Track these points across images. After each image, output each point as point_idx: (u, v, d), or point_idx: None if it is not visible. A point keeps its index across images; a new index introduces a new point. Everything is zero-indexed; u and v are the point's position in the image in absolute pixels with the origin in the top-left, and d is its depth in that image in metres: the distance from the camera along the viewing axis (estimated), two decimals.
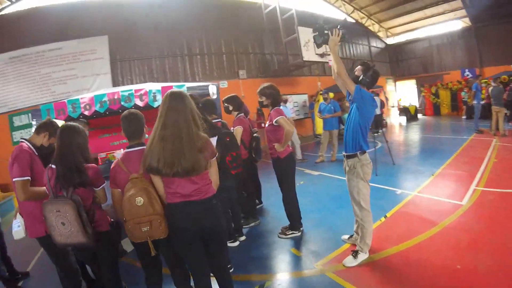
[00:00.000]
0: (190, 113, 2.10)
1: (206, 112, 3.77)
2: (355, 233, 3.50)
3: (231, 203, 4.09)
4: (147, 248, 2.24)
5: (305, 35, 11.28)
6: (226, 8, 12.59)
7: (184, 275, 2.55)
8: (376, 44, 19.57)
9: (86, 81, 10.44)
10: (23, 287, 3.66)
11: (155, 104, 4.64)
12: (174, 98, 2.11)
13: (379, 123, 12.78)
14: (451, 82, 16.22)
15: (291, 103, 13.48)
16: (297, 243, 3.93)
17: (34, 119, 5.31)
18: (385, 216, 4.31)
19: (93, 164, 2.51)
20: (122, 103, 4.91)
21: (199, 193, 2.16)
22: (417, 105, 17.72)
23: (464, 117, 14.49)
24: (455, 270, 2.91)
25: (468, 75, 15.69)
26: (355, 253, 3.25)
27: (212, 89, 5.31)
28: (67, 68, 10.29)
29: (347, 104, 11.84)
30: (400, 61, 20.26)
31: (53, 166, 2.39)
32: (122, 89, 5.17)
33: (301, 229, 4.14)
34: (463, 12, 15.63)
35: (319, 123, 10.73)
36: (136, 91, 4.96)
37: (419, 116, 17.17)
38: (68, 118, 5.46)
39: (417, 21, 17.79)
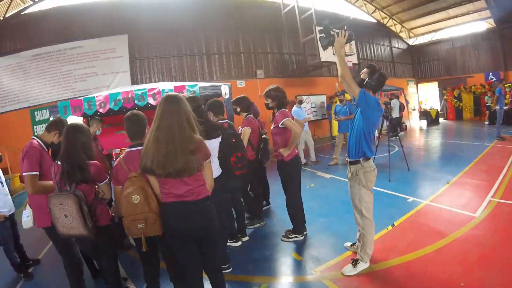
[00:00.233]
0: (185, 116, 2.15)
1: (213, 113, 3.80)
2: (357, 241, 3.39)
3: (235, 203, 4.11)
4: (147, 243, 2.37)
5: None
6: (244, 7, 12.63)
7: (180, 272, 2.60)
8: (397, 45, 19.19)
9: (106, 79, 10.69)
10: (33, 273, 3.83)
11: None
12: (169, 102, 2.17)
13: (397, 126, 12.55)
14: (475, 86, 15.69)
15: (308, 103, 13.41)
16: (299, 247, 3.89)
17: (51, 115, 5.47)
18: (393, 225, 4.18)
19: (95, 162, 2.63)
20: (136, 101, 5.00)
21: (192, 194, 2.20)
22: (439, 109, 17.23)
23: (486, 122, 13.97)
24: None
25: (492, 78, 15.15)
26: (354, 262, 3.16)
27: (225, 89, 5.32)
28: (88, 66, 10.57)
29: None
30: (422, 62, 19.78)
31: (59, 163, 2.52)
32: (136, 88, 5.27)
33: (305, 233, 4.10)
34: (487, 13, 15.12)
35: (336, 125, 10.62)
36: (149, 90, 5.04)
37: (440, 120, 16.72)
38: (84, 115, 5.63)
39: (440, 21, 17.32)
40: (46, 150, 3.04)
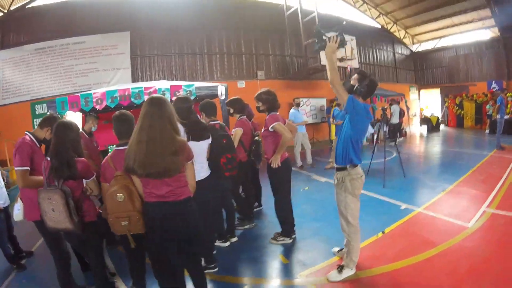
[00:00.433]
0: (167, 118, 2.18)
1: (206, 113, 3.80)
2: (345, 246, 3.32)
3: (225, 204, 4.11)
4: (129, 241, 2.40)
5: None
6: (247, 8, 12.63)
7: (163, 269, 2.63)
8: (401, 50, 19.18)
9: (107, 75, 10.74)
10: (26, 265, 3.87)
11: None
12: (152, 104, 2.20)
13: (396, 132, 12.52)
14: (477, 94, 15.66)
15: (308, 106, 13.40)
16: (287, 250, 3.86)
17: (49, 110, 5.51)
18: (383, 232, 4.13)
19: (83, 158, 2.69)
20: (132, 99, 5.04)
21: (173, 194, 2.22)
22: (440, 116, 17.19)
23: (487, 131, 13.87)
24: None
25: (494, 87, 15.12)
26: (340, 268, 3.13)
27: (221, 90, 5.33)
28: (89, 62, 10.64)
29: None
30: (425, 69, 19.78)
31: (48, 159, 2.58)
32: (133, 86, 5.29)
33: (293, 236, 4.07)
34: (491, 21, 15.11)
35: (334, 128, 10.60)
36: (146, 88, 5.08)
37: (441, 127, 16.69)
38: (81, 111, 5.66)
39: (444, 28, 17.33)
40: (38, 145, 3.11)
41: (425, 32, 18.50)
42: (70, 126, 2.69)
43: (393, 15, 17.36)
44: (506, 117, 10.49)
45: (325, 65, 10.00)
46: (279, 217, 4.02)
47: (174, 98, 3.74)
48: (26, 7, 10.09)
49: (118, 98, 5.04)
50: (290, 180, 4.02)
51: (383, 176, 6.44)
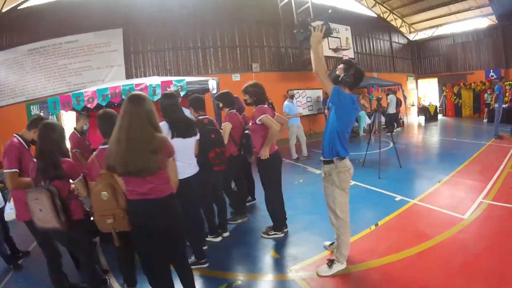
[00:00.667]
0: (145, 116, 2.16)
1: (194, 108, 3.78)
2: (336, 240, 3.27)
3: (216, 199, 4.09)
4: (120, 237, 2.42)
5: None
6: (241, 0, 12.47)
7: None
8: (398, 39, 18.99)
9: (101, 73, 10.67)
10: (23, 265, 3.88)
11: (155, 98, 4.73)
12: (131, 102, 2.18)
13: (393, 122, 12.47)
14: (475, 83, 15.56)
15: (304, 97, 13.34)
16: (279, 244, 3.84)
17: (41, 111, 5.50)
18: (376, 224, 4.08)
19: (68, 159, 2.72)
20: (123, 96, 5.00)
21: (155, 191, 2.21)
22: (438, 105, 17.11)
23: (485, 120, 13.84)
24: None
25: (492, 76, 15.04)
26: (330, 263, 3.09)
27: (212, 84, 5.29)
28: (83, 60, 10.55)
29: (362, 101, 11.59)
30: (422, 58, 19.61)
31: (35, 160, 2.62)
32: (124, 83, 5.27)
33: (285, 230, 4.05)
34: (489, 9, 14.92)
35: None
36: (136, 85, 5.06)
37: (439, 116, 16.59)
38: (72, 111, 5.63)
39: (442, 17, 17.15)
40: (27, 147, 3.16)
41: (422, 21, 18.31)
42: (54, 127, 2.71)
43: (389, 4, 17.17)
44: (504, 105, 10.43)
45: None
46: (270, 211, 3.99)
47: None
48: (18, 8, 9.99)
49: (109, 96, 5.01)
50: (280, 173, 3.98)
51: (378, 167, 6.39)
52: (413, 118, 17.20)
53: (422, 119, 15.99)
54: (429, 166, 7.17)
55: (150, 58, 11.13)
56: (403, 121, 14.45)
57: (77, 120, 5.33)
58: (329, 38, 12.64)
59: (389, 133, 8.52)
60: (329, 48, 11.59)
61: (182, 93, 4.98)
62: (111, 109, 2.79)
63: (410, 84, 19.39)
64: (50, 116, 5.38)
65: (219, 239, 4.05)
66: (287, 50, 13.23)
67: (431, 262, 3.13)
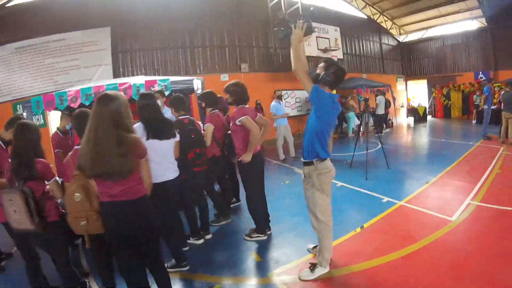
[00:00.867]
0: (111, 118, 2.10)
1: (174, 108, 3.72)
2: (318, 244, 3.21)
3: (197, 201, 4.02)
4: (95, 240, 2.44)
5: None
6: (230, 0, 12.37)
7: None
8: (388, 41, 19.03)
9: (88, 72, 10.49)
10: (5, 267, 3.86)
11: None
12: (97, 103, 2.16)
13: (382, 123, 12.50)
14: (464, 84, 15.67)
15: (293, 98, 13.31)
16: (262, 247, 3.78)
17: (24, 110, 5.40)
18: (362, 227, 4.03)
19: (43, 160, 2.68)
20: None
21: (126, 193, 2.18)
22: (427, 106, 17.19)
23: (474, 121, 13.94)
24: None
25: (481, 77, 15.15)
26: (312, 266, 3.02)
27: (197, 84, 5.23)
28: (70, 59, 10.35)
29: (351, 102, 11.61)
30: (412, 60, 19.68)
31: (10, 160, 2.63)
32: (108, 83, 5.21)
33: (269, 232, 3.99)
34: (479, 12, 15.03)
35: None
36: (120, 84, 5.02)
37: (428, 118, 16.65)
38: (56, 110, 5.55)
39: (432, 19, 17.24)
40: (5, 147, 3.23)
41: (412, 23, 18.40)
42: (29, 127, 2.68)
43: (380, 6, 17.22)
44: (493, 107, 10.50)
45: (309, 56, 9.96)
46: (251, 212, 3.92)
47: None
48: (6, 5, 9.80)
49: (93, 95, 4.94)
50: (263, 174, 3.92)
51: (365, 168, 6.35)
52: (402, 119, 17.27)
53: (411, 120, 16.05)
54: (417, 167, 7.19)
55: (138, 58, 10.98)
56: (392, 122, 14.49)
57: (60, 119, 5.23)
58: (318, 38, 12.65)
59: (378, 134, 8.50)
60: (318, 49, 11.57)
61: (166, 93, 4.90)
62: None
63: (400, 85, 19.48)
64: (33, 116, 5.28)
65: (201, 241, 3.98)
66: (276, 50, 13.17)
67: (418, 265, 3.08)
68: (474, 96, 14.56)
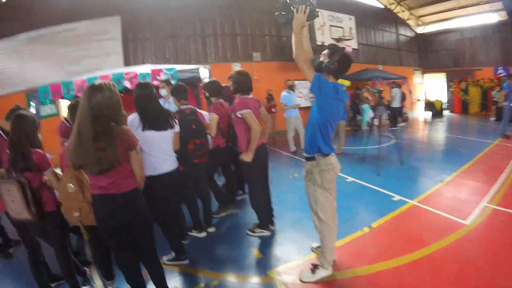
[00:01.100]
0: (94, 110, 2.05)
1: (176, 98, 3.62)
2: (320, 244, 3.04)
3: (199, 193, 3.92)
4: (92, 231, 2.46)
5: (321, 18, 10.79)
6: None
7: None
8: (404, 32, 18.49)
9: (99, 61, 10.48)
10: (14, 254, 3.90)
11: None
12: (83, 95, 2.13)
13: (397, 116, 12.16)
14: (483, 79, 15.13)
15: (306, 89, 13.04)
16: (264, 243, 3.67)
17: (31, 100, 5.44)
18: (370, 227, 3.84)
19: (39, 150, 2.68)
20: None
21: (116, 186, 2.16)
22: (444, 101, 16.67)
23: (493, 118, 13.34)
24: None
25: (501, 73, 14.59)
26: (314, 268, 2.86)
27: (204, 73, 5.12)
28: (81, 48, 10.39)
29: (365, 94, 11.35)
30: (429, 52, 19.10)
31: (7, 151, 2.66)
32: (114, 72, 5.16)
33: (272, 228, 3.87)
34: (499, 4, 14.43)
35: None
36: (126, 74, 5.00)
37: (445, 112, 16.19)
38: (62, 99, 5.57)
39: (450, 10, 16.62)
40: (6, 138, 3.18)
41: (430, 14, 17.80)
42: (25, 118, 2.70)
43: None
44: None
45: (321, 45, 9.71)
46: (254, 207, 3.79)
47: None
48: None
49: None
50: (267, 168, 3.79)
51: (381, 163, 6.14)
52: (419, 113, 16.84)
53: (428, 114, 15.62)
54: (431, 164, 6.90)
55: (149, 47, 10.92)
56: (407, 116, 14.11)
57: (67, 109, 5.22)
58: (331, 27, 12.34)
59: (392, 128, 8.24)
60: (331, 38, 11.24)
61: (173, 82, 4.80)
62: None
63: (417, 78, 18.97)
64: (45, 106, 5.37)
65: (203, 234, 3.90)
66: (288, 39, 12.85)
67: (426, 272, 2.87)
68: (493, 92, 14.01)
